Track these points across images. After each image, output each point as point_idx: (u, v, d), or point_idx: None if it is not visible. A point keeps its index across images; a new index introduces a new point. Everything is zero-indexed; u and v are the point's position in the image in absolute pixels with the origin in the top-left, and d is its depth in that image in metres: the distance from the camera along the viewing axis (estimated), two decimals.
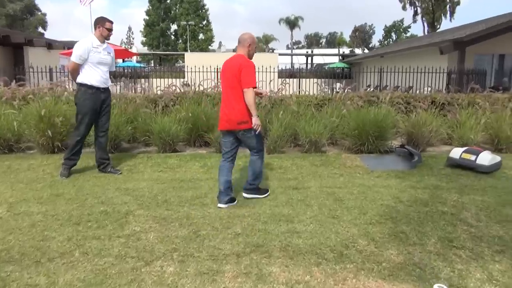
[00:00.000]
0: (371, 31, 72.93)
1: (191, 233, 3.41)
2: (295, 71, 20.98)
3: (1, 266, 2.83)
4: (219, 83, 8.46)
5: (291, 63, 37.31)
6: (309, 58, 40.96)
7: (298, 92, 9.21)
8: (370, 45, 68.75)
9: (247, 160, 5.61)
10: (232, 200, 4.10)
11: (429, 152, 6.37)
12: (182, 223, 3.62)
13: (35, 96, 6.81)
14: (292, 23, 55.60)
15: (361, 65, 24.31)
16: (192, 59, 22.28)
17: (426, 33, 40.36)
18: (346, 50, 56.17)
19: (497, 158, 5.31)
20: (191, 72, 14.10)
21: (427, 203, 4.12)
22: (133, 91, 8.63)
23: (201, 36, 56.40)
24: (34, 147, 6.37)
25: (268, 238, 3.32)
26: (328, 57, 41.40)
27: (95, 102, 4.93)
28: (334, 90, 17.58)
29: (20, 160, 5.78)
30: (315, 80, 14.04)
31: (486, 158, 5.16)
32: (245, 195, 4.29)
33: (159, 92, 7.95)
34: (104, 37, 5.01)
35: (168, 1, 55.58)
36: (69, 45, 18.73)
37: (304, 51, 57.41)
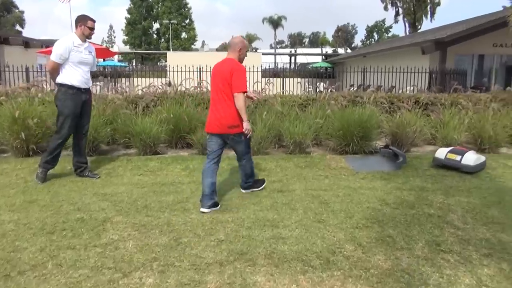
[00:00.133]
0: (353, 31, 73.51)
1: (172, 240, 3.27)
2: (278, 71, 20.90)
3: None
4: (204, 83, 8.31)
5: (275, 62, 37.25)
6: (293, 58, 41.01)
7: (282, 92, 9.13)
8: (353, 45, 69.30)
9: (230, 162, 5.51)
10: (215, 204, 3.98)
11: (413, 153, 6.35)
12: (163, 230, 3.47)
13: (8, 97, 6.53)
14: (275, 23, 55.50)
15: (344, 64, 24.41)
16: (174, 58, 22.00)
17: (407, 33, 40.85)
18: (329, 50, 56.45)
19: (482, 158, 5.32)
20: (174, 71, 13.89)
21: (413, 205, 4.06)
22: (113, 91, 8.38)
23: (183, 35, 55.90)
24: (7, 150, 6.11)
25: (252, 244, 3.20)
26: (312, 57, 41.53)
27: (77, 103, 4.73)
28: (318, 89, 17.62)
29: None
30: (299, 79, 13.96)
31: (471, 158, 5.15)
32: (244, 191, 4.43)
33: (140, 92, 7.75)
34: (86, 36, 4.81)
35: (150, 0, 54.92)
36: (47, 43, 18.25)
37: (287, 50, 57.46)
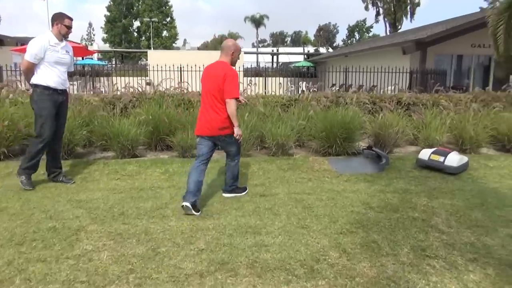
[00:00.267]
0: (335, 30, 74.07)
1: (149, 250, 3.12)
2: (261, 70, 20.81)
3: None
4: (185, 84, 8.13)
5: (257, 61, 37.15)
6: (275, 57, 40.99)
7: (264, 92, 9.03)
8: (334, 44, 69.79)
9: (211, 165, 5.35)
10: (195, 203, 3.86)
11: (396, 154, 6.33)
12: (140, 239, 3.31)
13: None
14: (257, 22, 55.43)
15: (326, 64, 24.48)
16: (155, 57, 21.67)
17: (388, 33, 41.31)
18: (311, 49, 56.69)
19: (465, 159, 5.33)
20: (155, 70, 13.65)
21: (397, 209, 4.01)
22: (91, 91, 8.14)
23: (165, 33, 55.28)
24: None
25: (234, 253, 3.08)
26: (294, 56, 41.61)
27: (54, 104, 4.51)
28: (300, 89, 17.61)
29: None
30: (281, 79, 13.90)
31: (454, 159, 5.16)
32: (225, 195, 4.33)
33: (118, 93, 7.53)
34: (63, 35, 4.58)
35: None
36: (22, 41, 17.71)
37: (269, 49, 57.40)
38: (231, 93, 3.87)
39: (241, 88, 7.70)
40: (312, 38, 74.20)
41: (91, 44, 60.89)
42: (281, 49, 52.96)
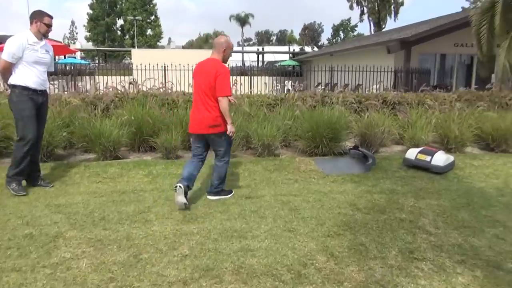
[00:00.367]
0: (320, 29, 74.39)
1: (131, 257, 3.00)
2: (246, 69, 20.69)
3: None
4: (169, 84, 7.99)
5: (242, 60, 37.02)
6: (260, 56, 40.91)
7: (249, 92, 8.94)
8: (319, 43, 70.08)
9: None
10: (188, 188, 3.97)
11: (382, 153, 6.32)
12: (121, 245, 3.19)
13: None
14: (242, 20, 55.30)
15: (311, 63, 24.51)
16: (139, 56, 21.35)
17: (372, 32, 41.61)
18: (296, 48, 56.77)
19: (451, 158, 5.35)
20: (139, 70, 13.43)
21: (384, 210, 3.97)
22: (73, 90, 7.93)
23: (149, 32, 54.68)
24: None
25: (219, 259, 2.98)
26: (279, 55, 41.57)
27: (34, 105, 4.33)
28: (286, 88, 17.56)
29: None
30: (267, 78, 13.82)
31: (440, 159, 5.17)
32: (210, 197, 4.23)
33: (100, 93, 7.35)
34: (42, 34, 4.40)
35: None
36: (1, 40, 17.24)
37: (255, 48, 57.34)
38: (223, 91, 3.86)
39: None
40: (297, 37, 74.43)
41: (74, 43, 59.87)
42: (267, 48, 52.90)
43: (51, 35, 4.62)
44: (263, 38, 79.33)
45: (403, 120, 6.81)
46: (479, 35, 10.26)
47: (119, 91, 7.02)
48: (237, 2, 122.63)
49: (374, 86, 13.51)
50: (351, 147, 6.01)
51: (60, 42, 21.15)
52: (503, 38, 9.99)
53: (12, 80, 4.28)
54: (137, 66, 13.97)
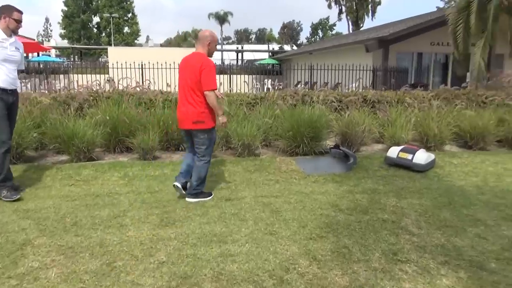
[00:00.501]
0: (299, 28, 74.60)
1: (104, 265, 2.84)
2: (225, 68, 20.50)
3: None
4: (146, 82, 7.77)
5: (221, 59, 36.72)
6: (240, 54, 40.71)
7: (229, 90, 8.80)
8: (298, 42, 70.34)
9: (174, 167, 5.11)
10: (186, 184, 4.17)
11: (362, 152, 6.28)
12: (94, 252, 3.03)
13: None
14: (221, 18, 54.84)
15: (291, 61, 24.51)
16: (116, 54, 20.91)
17: (350, 31, 41.98)
18: (275, 47, 56.80)
19: (432, 157, 5.36)
20: (115, 68, 13.10)
21: (366, 210, 3.91)
22: (46, 90, 7.62)
23: (126, 29, 53.69)
24: None
25: (197, 265, 2.85)
26: (258, 53, 41.48)
27: (5, 105, 4.09)
28: (265, 86, 17.46)
29: None
30: (246, 77, 13.69)
31: (422, 157, 5.17)
32: (189, 199, 4.10)
33: (74, 91, 7.07)
34: (12, 30, 4.15)
35: None
36: None
37: (234, 46, 57.09)
38: (209, 85, 3.83)
39: None
40: (276, 35, 74.45)
41: (48, 40, 58.42)
42: (246, 47, 52.74)
43: (21, 31, 4.38)
44: (242, 36, 79.11)
45: (383, 119, 6.80)
46: (456, 34, 10.40)
47: (93, 90, 6.77)
48: (216, 0, 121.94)
49: (353, 84, 13.58)
50: (332, 146, 5.95)
51: (32, 39, 20.47)
52: (478, 37, 10.16)
53: None
54: (113, 64, 13.61)
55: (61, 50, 44.58)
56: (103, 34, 54.06)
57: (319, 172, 5.13)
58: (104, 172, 5.00)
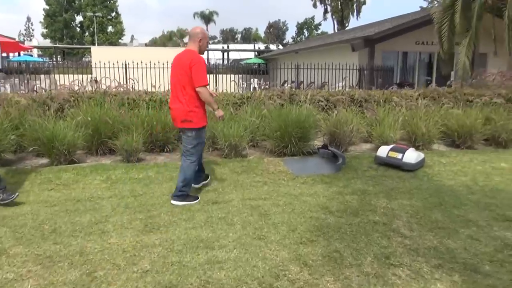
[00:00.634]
0: (284, 27, 74.57)
1: (84, 275, 2.69)
2: (211, 67, 20.30)
3: None
4: (130, 82, 7.57)
5: (207, 58, 36.44)
6: (226, 54, 40.49)
7: (215, 90, 8.65)
8: (284, 41, 70.33)
9: (159, 170, 4.96)
10: (207, 177, 4.51)
11: (351, 152, 6.21)
12: (74, 261, 2.87)
13: None
14: (207, 18, 54.60)
15: (277, 61, 24.43)
16: (100, 54, 20.51)
17: (336, 30, 42.12)
18: (261, 46, 56.66)
19: (421, 155, 5.33)
20: (97, 68, 12.81)
21: (357, 212, 3.82)
22: (26, 90, 7.37)
23: (110, 29, 52.91)
24: None
25: (183, 273, 2.72)
26: (244, 53, 41.32)
27: None
28: (252, 86, 17.34)
29: None
30: (232, 77, 13.55)
31: (412, 156, 5.13)
32: (174, 202, 3.98)
33: (54, 92, 6.84)
34: None
35: None
36: None
37: (220, 46, 56.78)
38: (199, 81, 3.78)
39: None
40: (262, 35, 74.30)
41: (30, 40, 57.21)
42: (232, 46, 52.50)
43: (2, 30, 4.18)
44: (228, 36, 78.77)
45: (371, 118, 6.74)
46: (441, 32, 10.42)
47: (75, 90, 6.56)
48: None
49: (340, 83, 13.55)
50: (320, 146, 5.86)
51: (13, 39, 19.94)
52: (463, 36, 10.18)
53: None
54: (95, 64, 13.32)
55: (43, 50, 43.73)
56: (87, 33, 53.16)
57: (307, 173, 5.04)
58: (85, 175, 4.81)
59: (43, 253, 2.98)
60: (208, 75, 3.97)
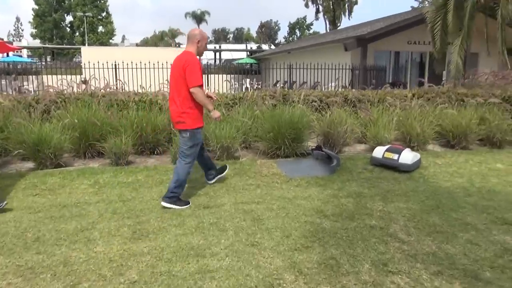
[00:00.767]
0: (276, 27, 74.50)
1: (67, 287, 2.54)
2: (203, 67, 20.15)
3: None
4: (119, 82, 7.40)
5: (199, 58, 36.21)
6: (217, 54, 40.31)
7: (207, 90, 8.50)
8: (276, 41, 70.24)
9: (148, 173, 4.82)
10: (221, 170, 4.57)
11: (345, 153, 6.11)
12: (57, 272, 2.72)
13: None
14: (198, 18, 54.22)
15: (269, 61, 24.33)
16: (90, 54, 20.22)
17: (328, 30, 42.13)
18: (253, 46, 56.54)
19: (418, 156, 5.26)
20: (87, 68, 12.61)
21: (353, 216, 3.71)
22: (11, 91, 7.17)
23: (100, 29, 52.41)
24: None
25: (173, 284, 2.59)
26: (237, 53, 41.18)
27: None
28: (244, 86, 17.22)
29: None
30: (224, 77, 13.42)
31: (408, 157, 5.05)
32: (163, 203, 3.88)
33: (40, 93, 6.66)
34: None
35: None
36: None
37: (212, 46, 56.55)
38: (193, 81, 3.74)
39: None
40: (254, 35, 74.16)
41: (20, 40, 56.50)
42: (224, 46, 52.32)
43: None
44: (220, 36, 78.50)
45: (365, 118, 6.65)
46: (434, 32, 10.38)
47: (62, 91, 6.38)
48: None
49: (332, 84, 13.47)
50: (314, 148, 5.75)
51: (1, 39, 19.58)
52: (455, 36, 10.15)
53: None
54: (84, 64, 13.10)
55: (33, 50, 43.21)
56: (77, 33, 52.64)
57: (301, 175, 4.93)
58: (72, 179, 4.65)
59: (24, 264, 2.83)
60: None
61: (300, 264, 2.86)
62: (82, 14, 47.65)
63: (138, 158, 5.67)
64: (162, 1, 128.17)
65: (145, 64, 13.20)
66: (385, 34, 15.12)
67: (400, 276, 2.74)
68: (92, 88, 6.66)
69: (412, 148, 6.08)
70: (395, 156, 5.06)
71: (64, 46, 45.10)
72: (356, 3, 43.12)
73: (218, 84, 11.45)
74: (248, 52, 40.08)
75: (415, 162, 5.12)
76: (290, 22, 68.54)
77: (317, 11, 44.72)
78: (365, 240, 3.25)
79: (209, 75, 16.38)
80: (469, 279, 2.70)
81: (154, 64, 13.11)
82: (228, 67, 21.88)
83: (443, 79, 14.41)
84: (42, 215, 3.70)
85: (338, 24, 42.43)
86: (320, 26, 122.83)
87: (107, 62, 12.85)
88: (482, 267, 2.85)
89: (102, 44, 48.29)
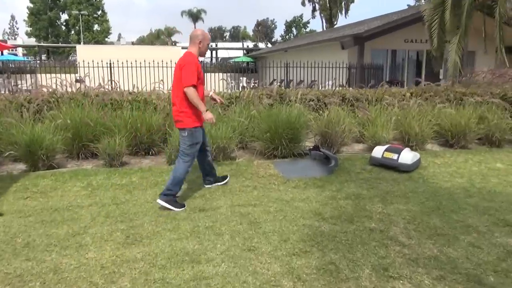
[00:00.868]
0: (273, 25, 74.30)
1: None
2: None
3: None
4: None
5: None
6: (214, 52, 40.17)
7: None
8: (273, 40, 70.10)
9: (143, 175, 4.72)
10: (222, 178, 4.51)
11: (343, 153, 6.03)
12: (46, 280, 2.62)
13: None
14: (195, 16, 53.99)
15: (266, 59, 24.21)
16: (85, 52, 20.06)
17: (324, 28, 42.05)
18: (250, 44, 56.41)
19: (417, 156, 5.19)
20: (81, 67, 12.47)
21: (352, 219, 3.63)
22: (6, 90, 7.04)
23: (96, 27, 52.10)
24: None
25: None
26: (233, 51, 41.05)
27: None
28: (240, 84, 17.11)
29: None
30: (221, 75, 13.31)
31: (408, 157, 4.99)
32: (159, 201, 3.84)
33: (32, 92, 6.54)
34: None
35: None
36: None
37: None
38: (185, 81, 3.72)
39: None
40: (251, 33, 73.94)
41: (15, 39, 56.12)
42: (220, 44, 52.08)
43: None
44: (217, 34, 78.19)
45: (363, 118, 6.57)
46: (431, 30, 10.32)
47: (54, 90, 6.26)
48: None
49: (329, 82, 13.40)
50: (311, 148, 5.67)
51: None
52: (453, 34, 10.10)
53: None
54: (79, 63, 12.96)
55: (28, 49, 42.90)
56: (72, 32, 52.30)
57: (299, 176, 4.84)
58: (64, 181, 4.55)
59: (13, 271, 2.73)
60: None
61: (298, 269, 2.77)
62: (77, 12, 47.34)
63: (132, 159, 5.57)
64: None
65: (140, 63, 13.07)
66: (382, 33, 15.05)
67: (401, 281, 2.66)
68: (86, 87, 6.53)
69: (411, 148, 6.00)
70: (395, 156, 4.99)
71: (60, 44, 44.80)
72: (352, 1, 43.02)
73: (215, 82, 11.35)
74: (244, 51, 39.96)
75: (415, 162, 5.05)
76: (286, 21, 68.25)
77: (314, 10, 44.60)
78: (364, 243, 3.17)
79: (205, 74, 16.28)
80: (472, 284, 2.63)
81: (149, 63, 12.99)
82: (224, 66, 21.74)
83: (441, 77, 14.37)
84: (32, 219, 3.60)
85: (335, 23, 42.32)
86: (316, 24, 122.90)
87: (102, 61, 12.71)
88: (486, 271, 2.78)
89: (98, 42, 48.01)
